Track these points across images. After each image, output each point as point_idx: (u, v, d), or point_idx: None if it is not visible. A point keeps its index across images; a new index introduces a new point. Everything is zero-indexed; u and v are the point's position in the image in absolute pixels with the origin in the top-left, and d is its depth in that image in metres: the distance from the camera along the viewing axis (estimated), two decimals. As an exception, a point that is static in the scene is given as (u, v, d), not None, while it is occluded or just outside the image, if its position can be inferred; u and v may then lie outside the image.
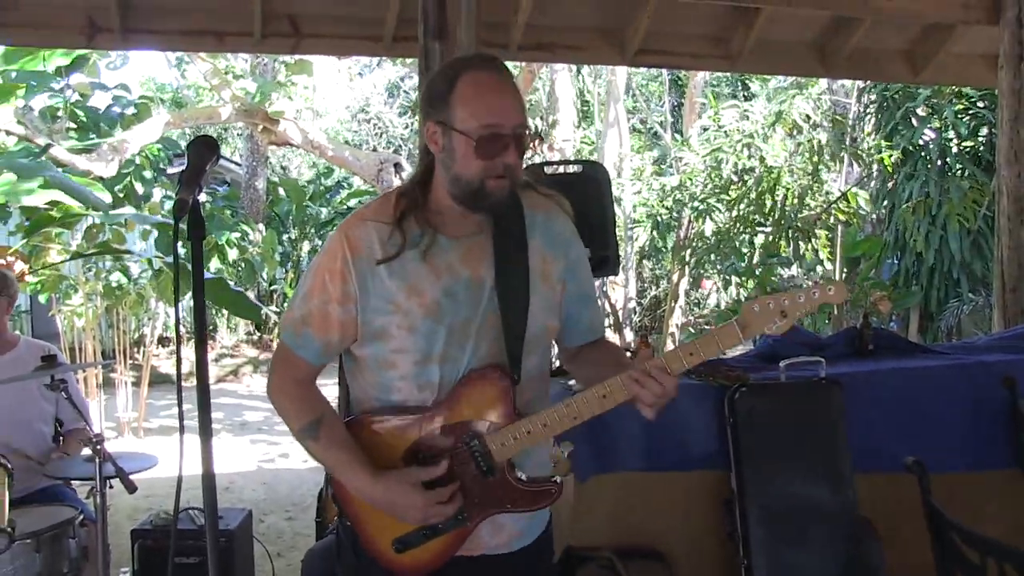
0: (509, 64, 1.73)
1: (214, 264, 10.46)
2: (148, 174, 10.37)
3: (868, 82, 9.31)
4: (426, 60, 3.66)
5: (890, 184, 9.45)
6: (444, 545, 1.69)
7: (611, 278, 9.89)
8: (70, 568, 2.84)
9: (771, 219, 8.34)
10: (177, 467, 1.48)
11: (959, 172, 9.03)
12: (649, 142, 14.81)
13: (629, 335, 11.39)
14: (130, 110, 10.04)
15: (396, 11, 4.34)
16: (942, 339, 8.70)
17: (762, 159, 8.28)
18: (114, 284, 8.47)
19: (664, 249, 10.78)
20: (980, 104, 8.84)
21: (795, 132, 8.37)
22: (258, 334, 12.48)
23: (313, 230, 13.56)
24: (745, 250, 8.77)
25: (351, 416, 1.74)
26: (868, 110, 9.92)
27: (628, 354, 1.96)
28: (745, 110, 8.91)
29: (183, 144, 15.32)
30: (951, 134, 9.12)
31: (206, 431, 1.48)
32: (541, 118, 12.61)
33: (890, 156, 8.75)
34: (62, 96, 9.55)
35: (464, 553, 1.71)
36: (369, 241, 1.64)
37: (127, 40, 4.38)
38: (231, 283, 6.32)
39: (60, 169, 7.07)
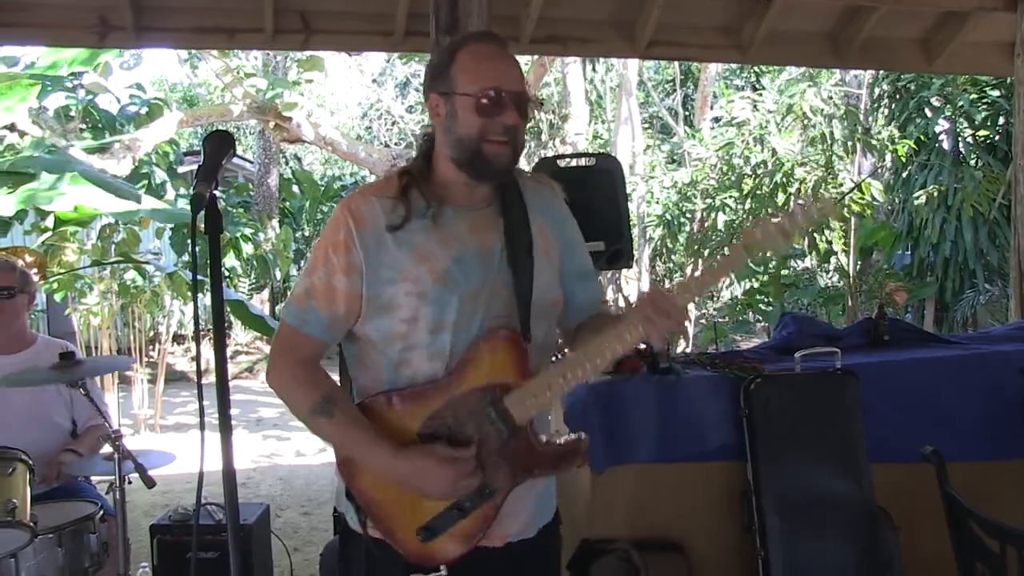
0: (520, 59, 1.75)
1: (229, 261, 10.51)
2: (161, 172, 10.41)
3: (881, 72, 9.25)
4: (437, 55, 3.65)
5: (904, 174, 9.41)
6: (472, 527, 1.64)
7: (625, 272, 9.87)
8: (91, 562, 2.86)
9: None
10: (196, 463, 1.49)
11: (974, 161, 8.97)
12: (661, 137, 14.75)
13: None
14: (144, 110, 10.08)
15: (407, 6, 4.33)
16: (957, 330, 8.67)
17: (774, 151, 8.23)
18: (129, 283, 8.54)
19: (677, 248, 10.74)
20: (995, 93, 8.78)
21: (806, 125, 8.31)
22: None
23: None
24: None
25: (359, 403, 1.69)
26: (881, 100, 9.86)
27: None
28: (756, 101, 8.85)
29: (195, 143, 15.42)
30: (965, 123, 9.06)
31: (226, 427, 1.47)
32: (553, 112, 12.59)
33: (904, 147, 8.70)
34: (76, 97, 9.61)
35: (486, 544, 1.67)
36: (374, 213, 1.63)
37: (139, 38, 4.38)
38: (244, 298, 6.56)
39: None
